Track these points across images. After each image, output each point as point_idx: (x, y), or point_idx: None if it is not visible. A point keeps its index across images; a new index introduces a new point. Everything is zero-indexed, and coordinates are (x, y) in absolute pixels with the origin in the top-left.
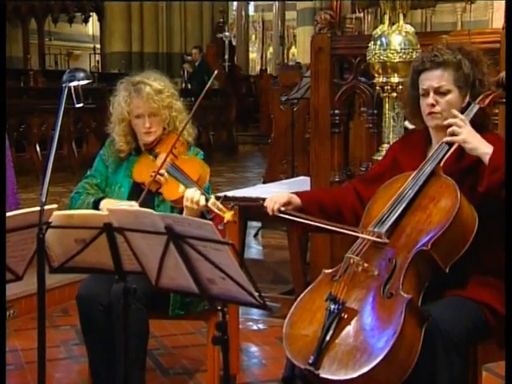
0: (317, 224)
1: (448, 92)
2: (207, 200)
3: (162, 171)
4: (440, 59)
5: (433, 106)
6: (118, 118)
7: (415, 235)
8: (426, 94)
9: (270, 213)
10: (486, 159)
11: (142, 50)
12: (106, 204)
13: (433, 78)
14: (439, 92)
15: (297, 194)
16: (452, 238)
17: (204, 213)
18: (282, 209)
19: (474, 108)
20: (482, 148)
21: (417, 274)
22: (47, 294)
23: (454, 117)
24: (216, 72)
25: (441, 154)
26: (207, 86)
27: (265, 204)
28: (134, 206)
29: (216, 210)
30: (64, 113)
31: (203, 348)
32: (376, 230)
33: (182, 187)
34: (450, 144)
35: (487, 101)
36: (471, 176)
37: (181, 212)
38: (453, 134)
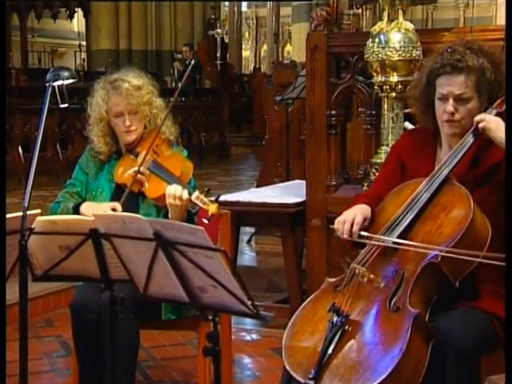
0: (404, 247)
1: (469, 99)
2: (190, 194)
3: (142, 170)
4: (463, 64)
5: (452, 114)
6: (96, 118)
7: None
8: (445, 99)
9: (346, 237)
10: None
11: (130, 48)
12: (87, 207)
13: (454, 85)
14: (460, 99)
15: (362, 202)
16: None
17: (190, 210)
18: (363, 233)
19: (492, 113)
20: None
21: (425, 288)
22: (30, 303)
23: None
24: (193, 61)
25: (462, 150)
26: (185, 76)
27: (336, 226)
28: (116, 206)
29: (200, 204)
30: (48, 113)
31: (194, 360)
32: (384, 237)
33: (164, 184)
34: (476, 136)
35: (505, 106)
36: (485, 185)
37: (166, 211)
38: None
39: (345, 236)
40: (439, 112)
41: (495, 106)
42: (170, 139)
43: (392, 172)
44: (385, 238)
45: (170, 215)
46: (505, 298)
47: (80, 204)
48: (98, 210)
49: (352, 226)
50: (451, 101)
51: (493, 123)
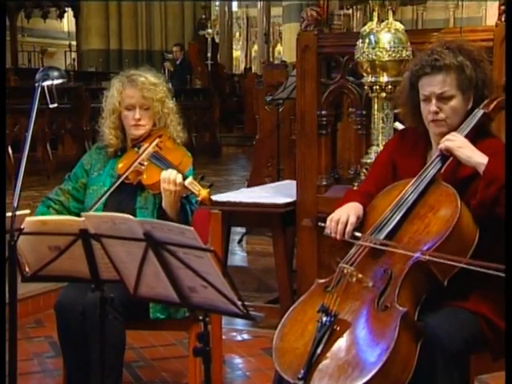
0: (393, 249)
1: (452, 97)
2: (184, 179)
3: (142, 160)
4: (441, 63)
5: (436, 113)
6: (109, 110)
7: (412, 245)
8: (428, 99)
9: (339, 237)
10: (481, 170)
11: (121, 48)
12: None
13: (435, 84)
14: (442, 97)
15: (354, 200)
16: (451, 248)
17: (183, 201)
18: (358, 234)
19: (478, 113)
20: (477, 158)
21: (413, 286)
22: (20, 304)
23: None
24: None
25: (439, 163)
26: None
27: (328, 229)
28: None
29: (192, 189)
30: (38, 113)
31: (184, 360)
32: (372, 238)
33: (161, 171)
34: (446, 157)
35: (492, 106)
36: (474, 184)
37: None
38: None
39: (338, 237)
40: (424, 113)
41: (482, 107)
42: (176, 141)
43: (383, 170)
44: (378, 240)
45: (163, 202)
46: (496, 302)
47: None
48: None
49: (345, 226)
50: (434, 100)
51: (457, 142)
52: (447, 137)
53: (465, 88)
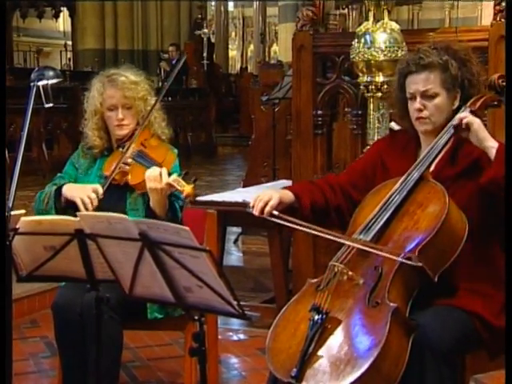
0: (311, 231)
1: (435, 95)
2: (168, 176)
3: (126, 159)
4: (425, 61)
5: (420, 110)
6: (91, 112)
7: (402, 242)
8: (413, 98)
9: (257, 214)
10: (493, 152)
11: (117, 47)
12: (68, 188)
13: (419, 82)
14: (426, 95)
15: (289, 188)
16: (440, 244)
17: (171, 198)
18: (275, 212)
19: (466, 111)
20: (490, 141)
21: (404, 283)
22: (15, 303)
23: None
24: (185, 57)
25: (437, 148)
26: (176, 69)
27: (251, 204)
28: (97, 188)
29: (177, 186)
30: (34, 113)
31: (180, 360)
32: (361, 237)
33: (145, 170)
34: (452, 133)
35: (478, 104)
36: (465, 182)
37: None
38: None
39: (255, 213)
40: (411, 111)
41: (469, 105)
42: (161, 138)
43: (363, 167)
44: (298, 221)
45: (151, 201)
46: (489, 299)
47: (62, 186)
48: (79, 191)
49: (266, 206)
50: (418, 98)
51: (476, 121)
52: (467, 114)
53: (449, 86)
